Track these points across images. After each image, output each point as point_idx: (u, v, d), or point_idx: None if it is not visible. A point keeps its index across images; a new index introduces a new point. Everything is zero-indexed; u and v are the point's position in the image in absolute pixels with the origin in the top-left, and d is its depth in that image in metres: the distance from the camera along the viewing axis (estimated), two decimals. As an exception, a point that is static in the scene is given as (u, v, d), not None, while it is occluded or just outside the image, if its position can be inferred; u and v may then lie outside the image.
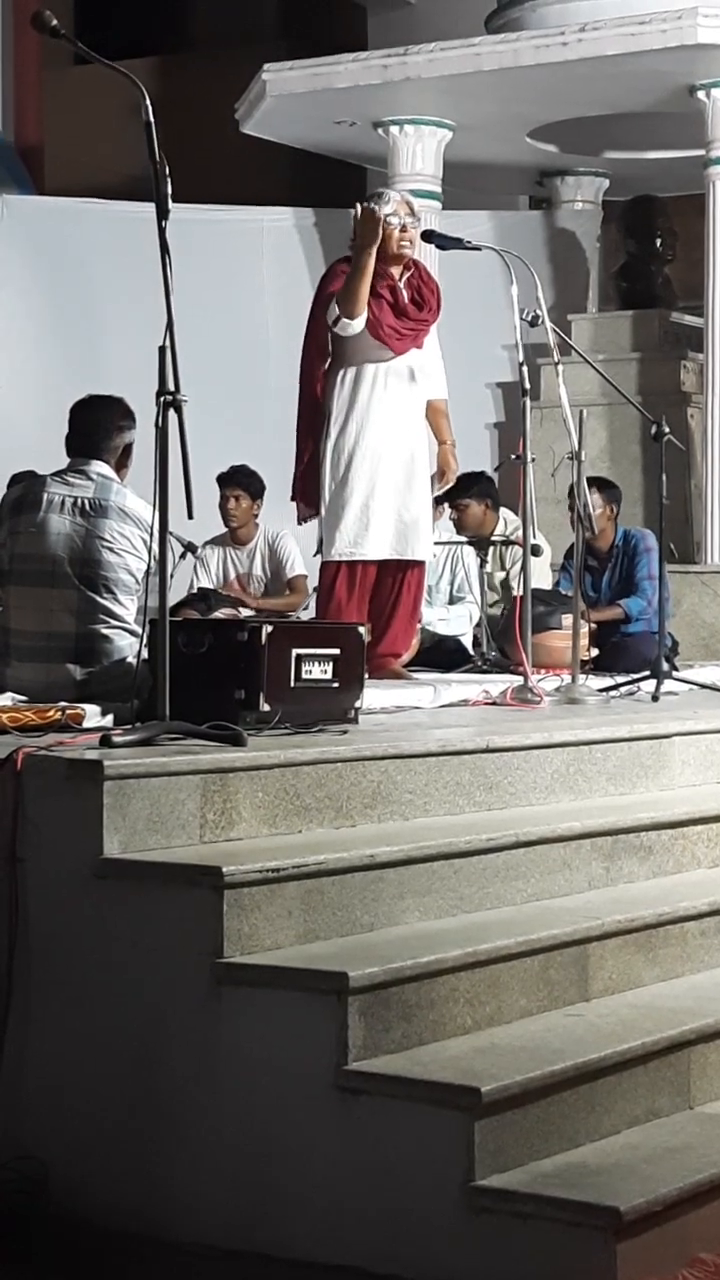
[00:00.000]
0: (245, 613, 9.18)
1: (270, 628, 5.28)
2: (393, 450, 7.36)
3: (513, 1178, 3.87)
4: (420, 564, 7.58)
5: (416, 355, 7.42)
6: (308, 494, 7.53)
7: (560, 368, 7.30)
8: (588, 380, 10.53)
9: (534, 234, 13.22)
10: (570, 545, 8.09)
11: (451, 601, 9.35)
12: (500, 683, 7.04)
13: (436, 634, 8.93)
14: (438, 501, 9.29)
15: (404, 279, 7.41)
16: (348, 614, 7.29)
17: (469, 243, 7.61)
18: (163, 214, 4.83)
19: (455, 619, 9.19)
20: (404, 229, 7.35)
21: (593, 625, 8.44)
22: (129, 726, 4.87)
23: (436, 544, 9.25)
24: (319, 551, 7.55)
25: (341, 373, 7.37)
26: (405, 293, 7.39)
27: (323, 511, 7.44)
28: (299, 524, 7.92)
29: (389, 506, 7.36)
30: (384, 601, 7.50)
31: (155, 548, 4.93)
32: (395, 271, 7.38)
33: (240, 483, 9.68)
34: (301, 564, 9.60)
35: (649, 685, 7.37)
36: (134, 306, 8.62)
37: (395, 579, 7.50)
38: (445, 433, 7.63)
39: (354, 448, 7.33)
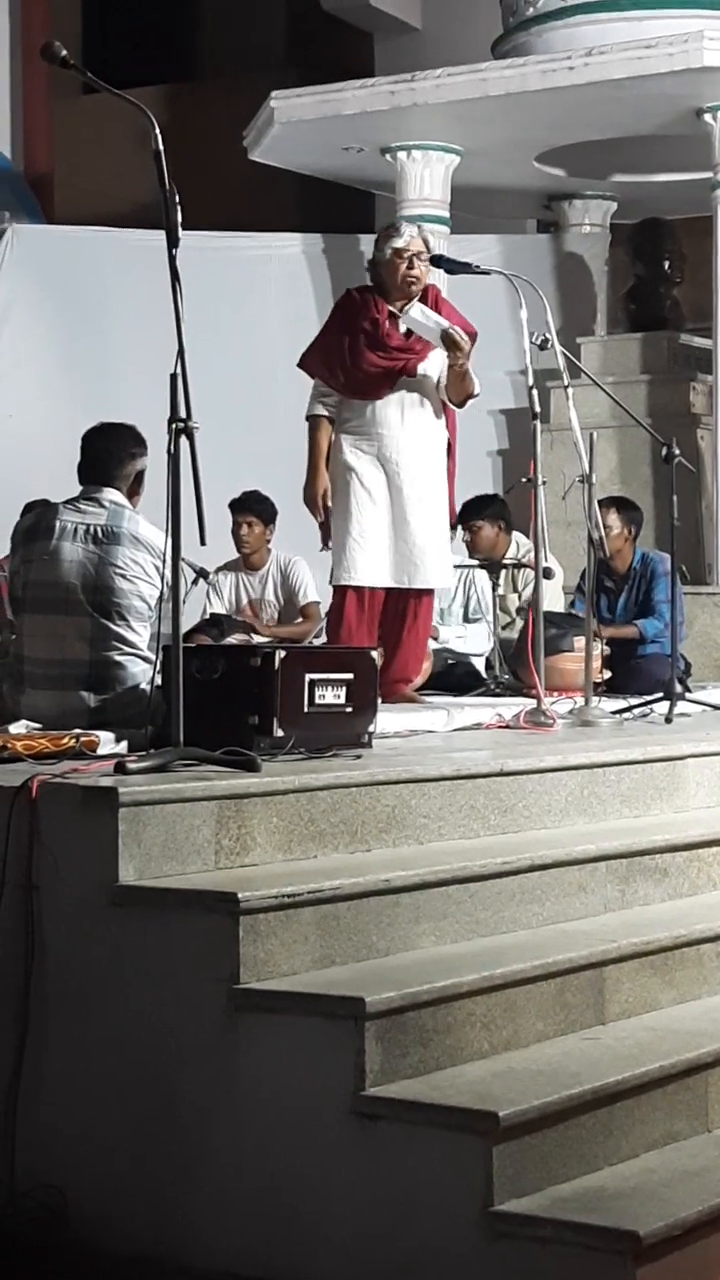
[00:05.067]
0: (258, 639, 9.18)
1: (283, 653, 5.29)
2: (392, 479, 7.35)
3: (531, 1202, 3.86)
4: (430, 591, 7.59)
5: (420, 377, 7.40)
6: (326, 524, 7.56)
7: (570, 391, 7.30)
8: (597, 403, 10.53)
9: (542, 257, 13.25)
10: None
11: (467, 622, 9.35)
12: (513, 706, 7.04)
13: (454, 652, 8.93)
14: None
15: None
16: (357, 637, 7.30)
17: (477, 267, 7.62)
18: (173, 242, 4.85)
19: (472, 636, 9.19)
20: (412, 265, 7.35)
21: (605, 647, 8.44)
22: (143, 753, 4.87)
23: (448, 567, 9.27)
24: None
25: (341, 403, 7.41)
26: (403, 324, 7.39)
27: (332, 537, 7.47)
28: (322, 550, 7.94)
29: (386, 535, 7.36)
30: (394, 626, 7.50)
31: (168, 574, 4.93)
32: (397, 305, 7.38)
33: (252, 509, 9.68)
34: (314, 591, 9.60)
35: (662, 707, 7.37)
36: (145, 334, 8.64)
37: (403, 605, 7.50)
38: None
39: (350, 477, 7.34)
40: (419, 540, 7.44)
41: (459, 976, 4.28)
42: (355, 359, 7.34)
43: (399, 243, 7.37)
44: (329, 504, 7.40)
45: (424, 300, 7.46)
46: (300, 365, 7.57)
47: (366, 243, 10.77)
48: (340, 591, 7.47)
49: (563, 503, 10.36)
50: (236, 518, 9.66)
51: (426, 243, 7.52)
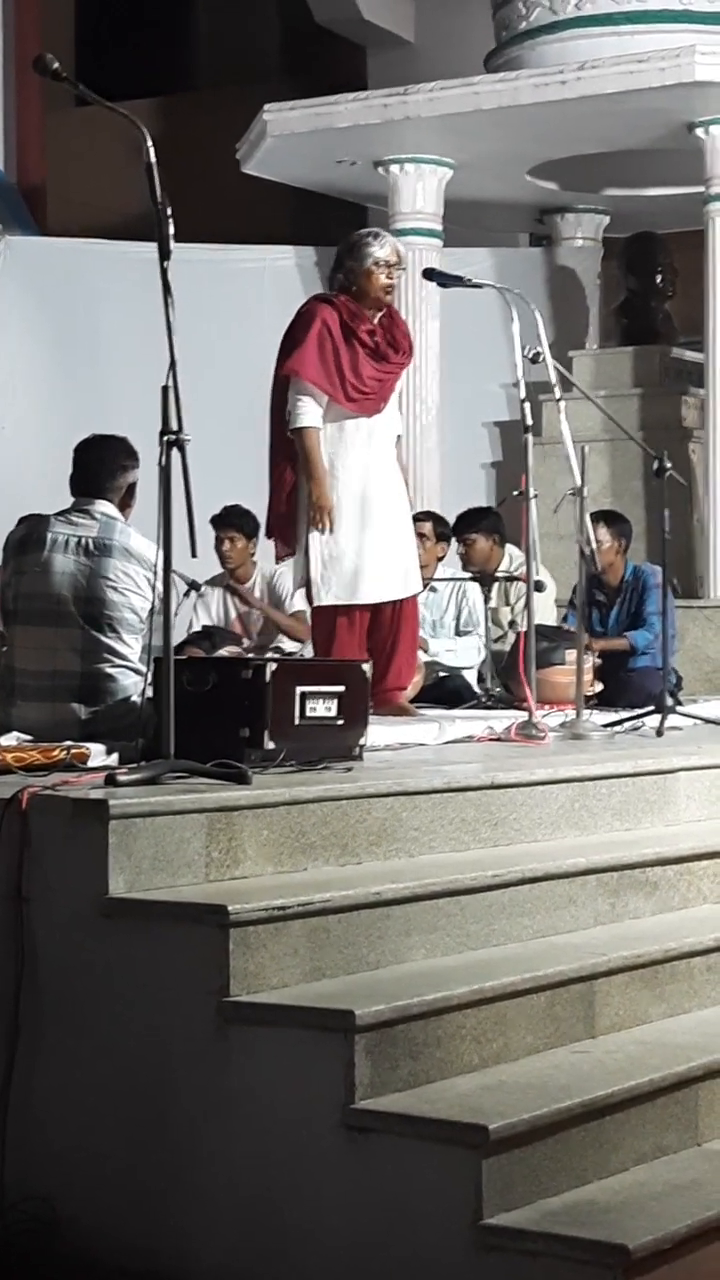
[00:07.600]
0: (254, 620, 9.17)
1: (274, 665, 5.29)
2: (379, 493, 7.33)
3: (521, 1216, 3.86)
4: (414, 595, 7.60)
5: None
6: (285, 533, 7.49)
7: (562, 404, 7.31)
8: (589, 416, 10.56)
9: (535, 271, 13.27)
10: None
11: (459, 634, 9.35)
12: (505, 719, 7.03)
13: (445, 665, 8.93)
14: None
15: (376, 320, 7.37)
16: (349, 655, 7.27)
17: (470, 280, 7.63)
18: (165, 255, 4.85)
19: (463, 650, 9.19)
20: (390, 274, 7.30)
21: (598, 659, 8.44)
22: (134, 765, 4.87)
23: (441, 580, 9.29)
24: (299, 589, 7.56)
25: (324, 415, 7.30)
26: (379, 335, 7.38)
27: (310, 555, 7.32)
28: (276, 562, 7.90)
29: (383, 549, 7.34)
30: (384, 637, 7.47)
31: (159, 586, 4.93)
32: (373, 315, 7.36)
33: (233, 524, 9.64)
34: (302, 599, 9.58)
35: (653, 720, 7.37)
36: (137, 346, 8.65)
37: (391, 613, 7.48)
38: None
39: (343, 496, 7.29)
40: (406, 550, 7.46)
41: (449, 989, 4.28)
42: (358, 371, 7.28)
43: (382, 254, 7.29)
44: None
45: (378, 312, 7.39)
46: (293, 373, 7.24)
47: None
48: (329, 611, 7.36)
49: (554, 516, 10.38)
50: (219, 533, 9.61)
51: (400, 253, 7.47)
